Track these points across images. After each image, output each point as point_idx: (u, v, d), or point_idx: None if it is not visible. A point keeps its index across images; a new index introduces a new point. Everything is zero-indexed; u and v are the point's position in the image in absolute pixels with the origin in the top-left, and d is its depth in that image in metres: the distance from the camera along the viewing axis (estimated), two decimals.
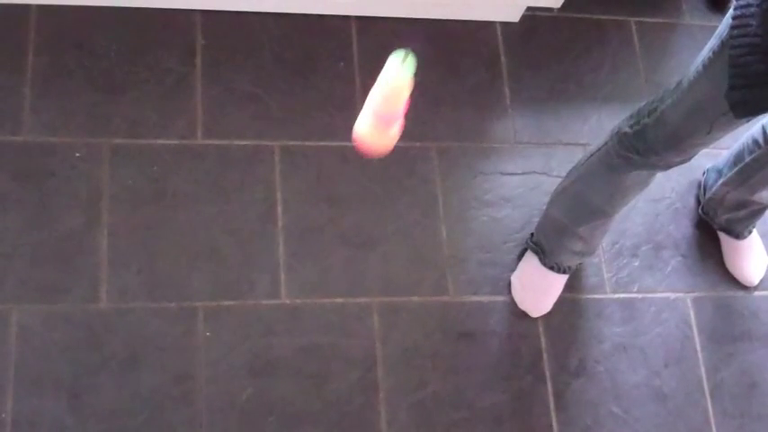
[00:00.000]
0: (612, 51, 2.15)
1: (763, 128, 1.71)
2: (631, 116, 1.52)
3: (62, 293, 1.68)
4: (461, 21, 2.07)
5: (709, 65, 1.30)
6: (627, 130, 1.51)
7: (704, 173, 2.00)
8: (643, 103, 1.50)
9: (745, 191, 1.85)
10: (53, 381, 1.63)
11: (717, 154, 1.97)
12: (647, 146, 1.48)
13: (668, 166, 1.52)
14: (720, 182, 1.89)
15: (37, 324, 1.66)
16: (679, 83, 1.40)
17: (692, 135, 1.41)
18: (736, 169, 1.82)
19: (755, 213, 1.92)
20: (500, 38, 2.09)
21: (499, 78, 2.05)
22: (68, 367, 1.64)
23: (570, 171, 1.74)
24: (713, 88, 1.28)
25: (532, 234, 1.88)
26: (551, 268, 1.84)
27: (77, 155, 1.78)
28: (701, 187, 2.00)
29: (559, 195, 1.76)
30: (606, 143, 1.58)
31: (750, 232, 1.98)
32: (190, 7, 1.94)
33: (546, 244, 1.83)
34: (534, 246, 1.86)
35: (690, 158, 1.50)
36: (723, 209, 1.94)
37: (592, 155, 1.64)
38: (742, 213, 1.92)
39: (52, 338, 1.65)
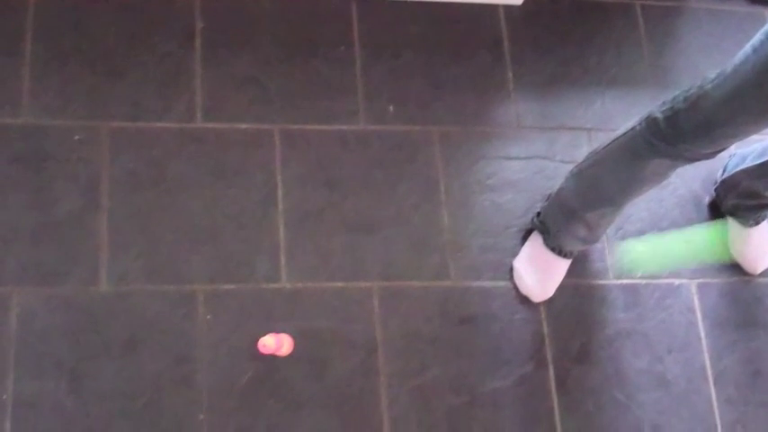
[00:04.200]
0: (617, 35, 2.13)
1: None
2: (664, 102, 1.48)
3: (62, 276, 1.68)
4: (463, 3, 2.06)
5: (759, 47, 1.28)
6: (658, 115, 1.47)
7: (731, 156, 1.97)
8: (678, 91, 1.46)
9: (761, 185, 1.83)
10: (53, 363, 1.63)
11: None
12: (676, 132, 1.45)
13: (693, 159, 1.49)
14: (740, 168, 1.87)
15: (37, 307, 1.66)
16: (722, 70, 1.37)
17: (725, 124, 1.39)
18: (759, 162, 1.80)
19: (763, 207, 1.91)
20: (503, 21, 2.07)
21: (502, 62, 2.04)
22: (69, 350, 1.64)
23: (589, 154, 1.71)
24: (759, 73, 1.26)
25: (539, 213, 1.86)
26: (552, 250, 1.83)
27: (76, 138, 1.78)
28: (722, 167, 1.98)
29: (574, 177, 1.74)
30: (634, 127, 1.54)
31: (757, 222, 1.96)
32: None
33: (551, 224, 1.81)
34: (540, 225, 1.84)
35: (717, 153, 1.48)
36: (734, 194, 1.92)
37: (616, 139, 1.60)
38: (750, 203, 1.91)
39: (52, 321, 1.65)
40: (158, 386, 1.65)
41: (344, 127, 1.90)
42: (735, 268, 1.99)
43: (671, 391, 1.86)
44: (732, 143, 1.46)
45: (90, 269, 1.70)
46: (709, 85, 1.38)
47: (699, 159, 1.50)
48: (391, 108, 1.94)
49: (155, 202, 1.77)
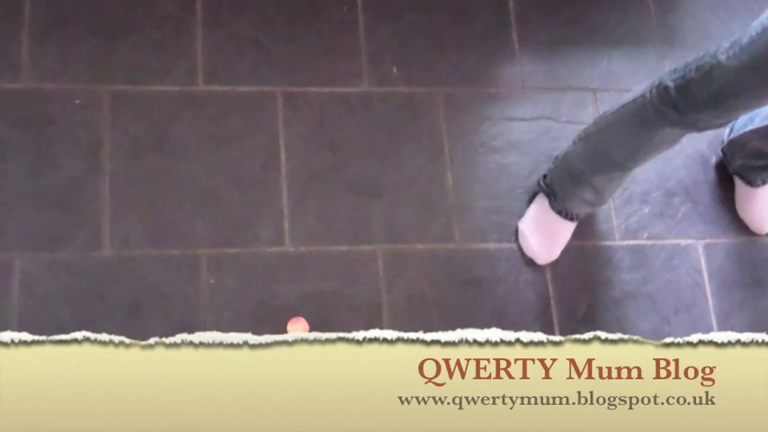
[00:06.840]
0: None
1: None
2: (675, 70, 1.46)
3: (65, 241, 1.68)
4: None
5: None
6: (669, 83, 1.45)
7: None
8: (690, 59, 1.44)
9: None
10: (56, 329, 1.59)
11: None
12: (688, 102, 1.43)
13: (704, 128, 1.48)
14: (749, 128, 1.85)
15: (40, 272, 1.65)
16: (737, 39, 1.34)
17: (739, 95, 1.36)
18: None
19: None
20: None
21: (507, 22, 2.01)
22: (71, 315, 1.64)
23: (598, 118, 1.69)
24: None
25: (545, 175, 1.85)
26: (559, 213, 1.81)
27: (77, 102, 1.76)
28: (729, 127, 1.96)
29: (582, 141, 1.73)
30: (644, 95, 1.52)
31: (764, 182, 1.95)
32: None
33: (558, 187, 1.80)
34: (546, 187, 1.83)
35: (728, 122, 1.46)
36: (742, 154, 1.90)
37: (625, 105, 1.58)
38: (758, 163, 1.89)
39: (55, 286, 1.65)
40: None
41: (348, 89, 1.89)
42: (741, 228, 1.98)
43: None
44: (744, 113, 1.44)
45: (92, 234, 1.69)
46: (723, 56, 1.35)
47: (710, 128, 1.48)
48: (395, 70, 1.92)
49: (157, 166, 1.76)
